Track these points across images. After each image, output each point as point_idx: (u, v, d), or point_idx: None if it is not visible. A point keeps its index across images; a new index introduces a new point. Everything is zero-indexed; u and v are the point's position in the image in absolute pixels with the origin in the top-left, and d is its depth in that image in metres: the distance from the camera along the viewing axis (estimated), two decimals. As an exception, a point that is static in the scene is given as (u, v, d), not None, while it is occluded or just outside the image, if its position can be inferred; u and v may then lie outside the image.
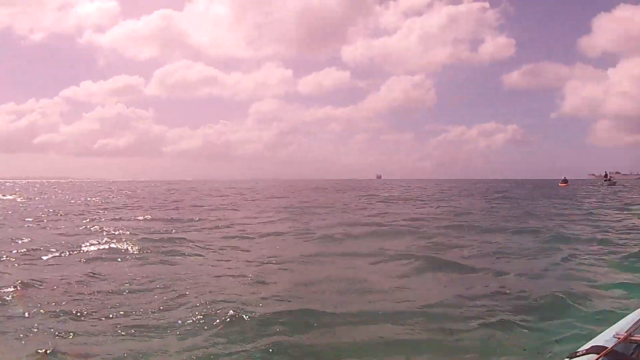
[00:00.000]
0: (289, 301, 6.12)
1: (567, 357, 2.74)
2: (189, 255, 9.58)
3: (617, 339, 2.85)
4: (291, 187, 70.41)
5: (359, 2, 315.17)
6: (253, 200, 32.03)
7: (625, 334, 2.91)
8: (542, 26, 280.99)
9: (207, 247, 10.72)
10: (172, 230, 13.85)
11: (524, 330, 5.10)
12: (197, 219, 17.57)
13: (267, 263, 8.82)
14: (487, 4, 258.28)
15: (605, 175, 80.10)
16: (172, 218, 17.95)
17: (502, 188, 61.84)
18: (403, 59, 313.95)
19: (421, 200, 31.56)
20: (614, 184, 73.98)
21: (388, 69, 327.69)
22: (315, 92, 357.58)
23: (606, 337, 2.94)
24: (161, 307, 5.77)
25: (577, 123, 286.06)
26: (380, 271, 8.34)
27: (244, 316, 5.26)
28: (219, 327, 5.00)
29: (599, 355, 2.61)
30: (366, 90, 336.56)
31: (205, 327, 5.03)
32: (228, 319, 5.17)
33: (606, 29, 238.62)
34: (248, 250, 10.40)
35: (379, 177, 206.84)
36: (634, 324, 3.08)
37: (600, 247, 10.83)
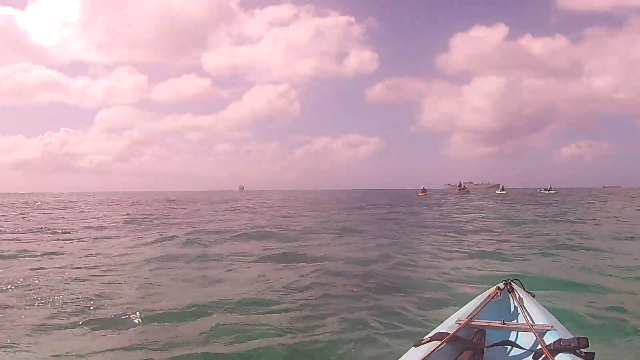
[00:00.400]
0: (143, 301, 6.26)
1: (413, 345, 2.85)
2: (39, 268, 8.93)
3: (458, 325, 3.05)
4: (145, 199, 67.22)
5: (223, 8, 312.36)
6: (100, 212, 30.15)
7: (466, 320, 3.12)
8: (404, 42, 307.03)
9: (51, 257, 10.28)
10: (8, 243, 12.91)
11: (372, 320, 5.32)
12: (36, 229, 17.03)
13: (114, 271, 8.58)
14: (353, 19, 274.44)
15: (460, 185, 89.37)
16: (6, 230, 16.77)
17: (365, 197, 65.56)
18: (267, 69, 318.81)
19: (284, 209, 31.93)
20: (468, 192, 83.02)
21: (251, 78, 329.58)
22: (172, 100, 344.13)
23: (449, 324, 3.12)
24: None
25: (435, 136, 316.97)
26: (235, 271, 8.68)
27: (99, 320, 5.43)
28: (74, 331, 5.12)
29: (441, 342, 2.79)
30: (228, 99, 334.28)
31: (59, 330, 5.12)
32: (86, 324, 5.29)
33: (462, 48, 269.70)
34: (97, 257, 10.11)
35: (242, 188, 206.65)
36: (475, 310, 3.31)
37: (448, 246, 11.97)
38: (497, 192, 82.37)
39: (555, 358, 2.54)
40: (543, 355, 2.62)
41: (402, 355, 2.79)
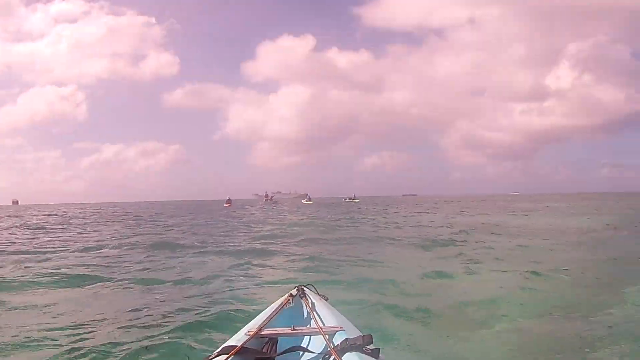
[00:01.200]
0: None
1: None
2: None
3: (248, 336, 3.19)
4: None
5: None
6: None
7: (256, 330, 3.27)
8: (209, 47, 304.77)
9: None
10: None
11: (151, 340, 5.44)
12: None
13: None
14: (153, 19, 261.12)
15: (266, 195, 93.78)
16: None
17: (163, 209, 64.49)
18: (49, 68, 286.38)
19: (60, 226, 30.11)
20: (276, 202, 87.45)
21: (29, 78, 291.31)
22: None
23: (239, 336, 3.25)
24: None
25: (241, 144, 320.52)
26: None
27: None
28: None
29: (228, 355, 2.89)
30: (1, 101, 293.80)
31: None
32: None
33: (269, 57, 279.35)
34: None
35: (16, 202, 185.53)
36: (266, 319, 3.48)
37: (240, 257, 12.63)
38: (303, 201, 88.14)
39: (343, 358, 2.79)
40: (332, 357, 2.84)
41: None
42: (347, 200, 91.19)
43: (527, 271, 9.26)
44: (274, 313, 3.63)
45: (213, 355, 2.92)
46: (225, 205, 76.85)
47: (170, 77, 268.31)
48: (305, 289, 4.10)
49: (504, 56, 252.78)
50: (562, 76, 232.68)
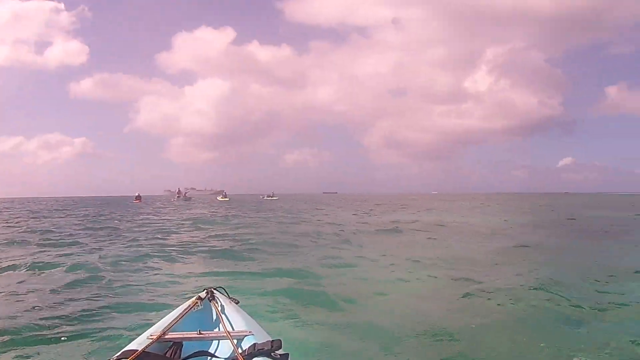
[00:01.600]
0: None
1: None
2: None
3: (150, 340, 3.14)
4: None
5: None
6: None
7: (160, 333, 3.22)
8: (121, 37, 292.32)
9: None
10: None
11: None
12: None
13: None
14: (62, 5, 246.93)
15: (179, 191, 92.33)
16: None
17: (64, 205, 62.34)
18: None
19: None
20: (189, 199, 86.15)
21: None
22: None
23: (140, 340, 3.18)
24: None
25: (154, 138, 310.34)
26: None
27: None
28: None
29: None
30: None
31: None
32: None
33: (186, 48, 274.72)
34: None
35: None
36: (171, 322, 3.43)
37: (151, 251, 13.17)
38: (218, 198, 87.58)
39: None
40: None
41: None
42: (265, 198, 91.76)
43: (412, 261, 10.63)
44: (180, 316, 3.59)
45: None
46: (134, 201, 75.29)
47: (78, 66, 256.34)
48: (215, 291, 4.09)
49: (426, 58, 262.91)
50: (479, 80, 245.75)
